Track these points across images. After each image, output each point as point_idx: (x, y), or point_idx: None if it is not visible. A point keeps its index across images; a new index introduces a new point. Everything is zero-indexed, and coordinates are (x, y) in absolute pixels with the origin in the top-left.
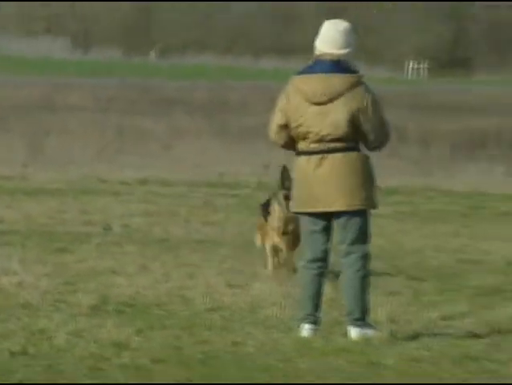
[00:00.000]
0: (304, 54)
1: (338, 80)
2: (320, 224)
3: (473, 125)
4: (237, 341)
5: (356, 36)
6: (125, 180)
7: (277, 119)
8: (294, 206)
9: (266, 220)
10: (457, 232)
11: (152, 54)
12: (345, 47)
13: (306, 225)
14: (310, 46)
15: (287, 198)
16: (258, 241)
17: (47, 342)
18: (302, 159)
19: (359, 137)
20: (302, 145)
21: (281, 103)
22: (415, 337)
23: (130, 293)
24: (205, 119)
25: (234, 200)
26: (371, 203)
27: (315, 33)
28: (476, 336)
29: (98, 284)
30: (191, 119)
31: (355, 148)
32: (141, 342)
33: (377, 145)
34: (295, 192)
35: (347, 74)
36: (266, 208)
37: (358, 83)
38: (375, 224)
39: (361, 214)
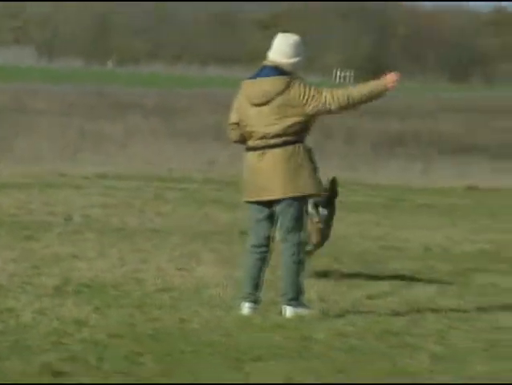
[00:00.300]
0: (246, 62)
1: (275, 82)
2: (264, 212)
3: (394, 126)
4: (184, 318)
5: (305, 47)
6: (85, 176)
7: (231, 118)
8: (244, 196)
9: None
10: (379, 221)
11: (110, 64)
12: (294, 57)
13: (253, 214)
14: (251, 56)
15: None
16: None
17: (15, 320)
18: (249, 154)
19: (315, 117)
20: (249, 142)
21: (235, 104)
22: (342, 314)
23: (89, 276)
24: (157, 121)
25: (183, 193)
26: (310, 189)
27: (256, 44)
28: (397, 313)
29: (60, 268)
30: (144, 122)
31: (294, 142)
32: (99, 319)
33: (343, 106)
34: (244, 184)
35: (283, 76)
36: None
37: (292, 81)
38: None
39: (297, 203)
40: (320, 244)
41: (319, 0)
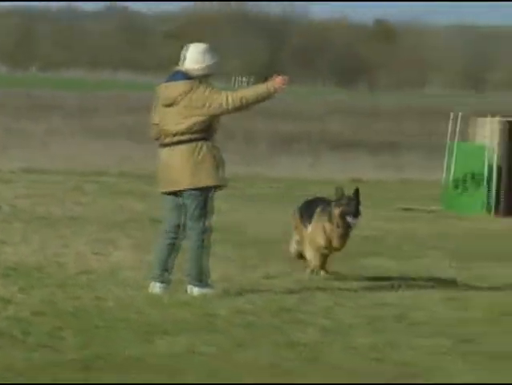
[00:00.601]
0: (154, 69)
1: (182, 86)
2: (175, 202)
3: (287, 127)
4: (100, 297)
5: (214, 54)
6: (12, 170)
7: (152, 119)
8: (159, 187)
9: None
10: (275, 209)
11: (33, 69)
12: (204, 62)
13: (165, 203)
14: (157, 63)
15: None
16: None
17: None
18: (161, 150)
19: (218, 116)
20: (162, 139)
21: (153, 105)
22: (242, 293)
23: (15, 260)
24: (76, 121)
25: (100, 186)
26: (212, 181)
27: (161, 52)
28: (290, 292)
29: None
30: (65, 122)
31: (199, 139)
32: (24, 298)
33: (239, 106)
34: (158, 177)
35: (189, 81)
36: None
37: (197, 85)
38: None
39: (201, 194)
40: (341, 247)
41: (216, 0)
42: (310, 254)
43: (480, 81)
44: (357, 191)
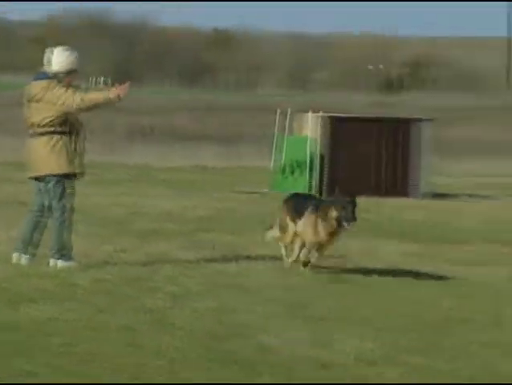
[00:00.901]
0: (25, 70)
1: (41, 84)
2: (39, 186)
3: (140, 120)
4: None
5: (72, 52)
6: None
7: (25, 113)
8: (27, 173)
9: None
10: (129, 192)
11: None
12: (63, 61)
13: (33, 187)
14: (28, 64)
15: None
16: (275, 234)
17: None
18: (29, 140)
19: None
20: (29, 130)
21: (24, 102)
22: (101, 265)
23: None
24: None
25: None
26: (68, 169)
27: (30, 54)
28: (143, 264)
29: None
30: None
31: (56, 132)
32: None
33: (88, 106)
34: (27, 164)
35: (48, 80)
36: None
37: (54, 84)
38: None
39: (59, 179)
40: (331, 244)
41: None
42: (299, 249)
43: (306, 81)
44: (353, 196)
